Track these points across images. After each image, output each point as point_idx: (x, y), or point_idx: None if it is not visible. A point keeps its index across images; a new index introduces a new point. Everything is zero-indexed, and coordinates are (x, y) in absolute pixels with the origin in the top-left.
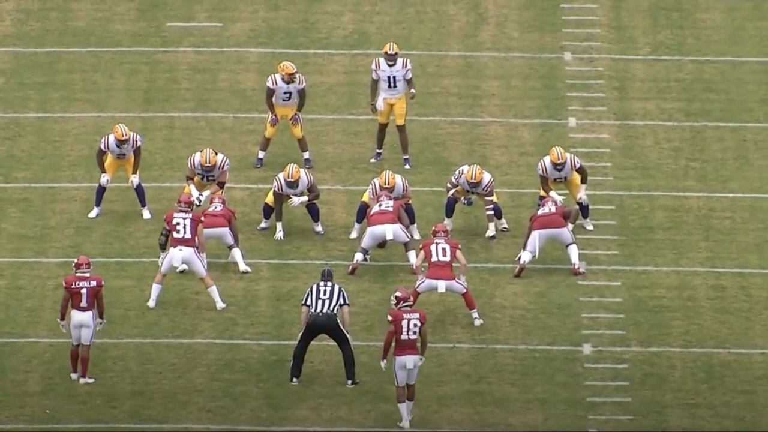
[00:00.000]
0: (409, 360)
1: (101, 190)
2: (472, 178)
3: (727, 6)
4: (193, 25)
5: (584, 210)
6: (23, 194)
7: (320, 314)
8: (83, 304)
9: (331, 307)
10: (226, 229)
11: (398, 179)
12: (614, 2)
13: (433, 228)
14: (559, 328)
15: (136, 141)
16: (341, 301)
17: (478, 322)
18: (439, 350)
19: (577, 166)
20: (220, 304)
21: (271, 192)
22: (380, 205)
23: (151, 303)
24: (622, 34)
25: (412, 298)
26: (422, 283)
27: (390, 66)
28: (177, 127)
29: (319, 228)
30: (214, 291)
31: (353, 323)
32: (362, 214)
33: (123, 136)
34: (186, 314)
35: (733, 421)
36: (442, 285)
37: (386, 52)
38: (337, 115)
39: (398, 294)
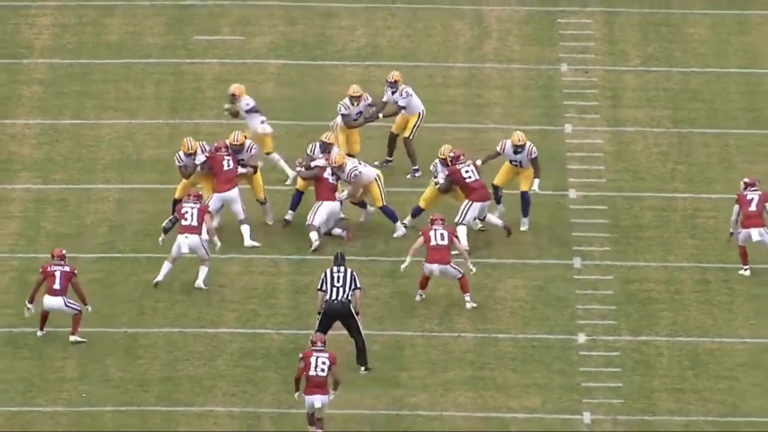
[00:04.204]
0: (317, 399)
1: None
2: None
3: (713, 21)
4: (217, 38)
5: (525, 207)
6: (60, 195)
7: (335, 302)
8: (56, 286)
9: (345, 294)
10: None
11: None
12: (607, 17)
13: (431, 216)
14: (555, 319)
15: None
16: (353, 285)
17: (469, 306)
18: (445, 339)
19: (533, 156)
20: (199, 283)
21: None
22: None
23: (159, 277)
24: (615, 48)
25: (321, 343)
26: (424, 266)
27: (392, 93)
28: (202, 132)
29: (288, 216)
30: (203, 270)
31: (366, 313)
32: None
33: (189, 149)
34: (211, 306)
35: (716, 404)
36: (436, 269)
37: (387, 80)
38: None
39: (311, 338)
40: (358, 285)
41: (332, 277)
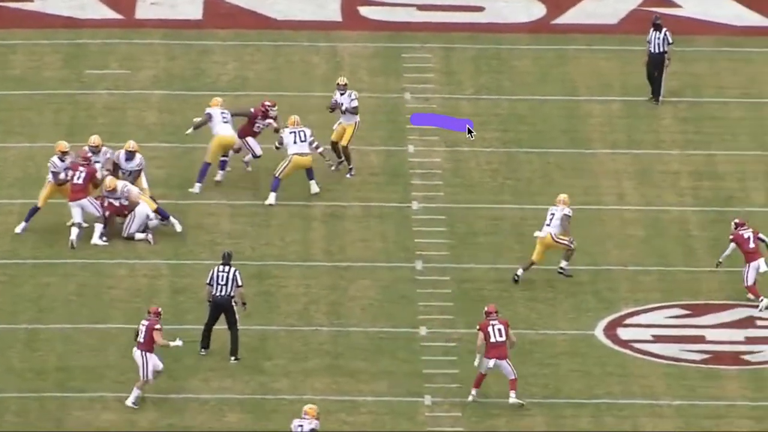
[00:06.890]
0: None
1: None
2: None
3: (535, 55)
4: (107, 72)
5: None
6: None
7: (219, 297)
8: None
9: (228, 292)
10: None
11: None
12: (445, 52)
13: (486, 309)
14: (401, 314)
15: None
16: (236, 284)
17: (513, 401)
18: (304, 332)
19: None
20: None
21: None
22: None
23: (129, 402)
24: (452, 78)
25: None
26: (481, 363)
27: (341, 95)
28: None
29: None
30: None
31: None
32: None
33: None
34: (101, 305)
35: (540, 388)
36: (493, 364)
37: (337, 83)
38: None
39: None
40: (240, 283)
41: (218, 276)
